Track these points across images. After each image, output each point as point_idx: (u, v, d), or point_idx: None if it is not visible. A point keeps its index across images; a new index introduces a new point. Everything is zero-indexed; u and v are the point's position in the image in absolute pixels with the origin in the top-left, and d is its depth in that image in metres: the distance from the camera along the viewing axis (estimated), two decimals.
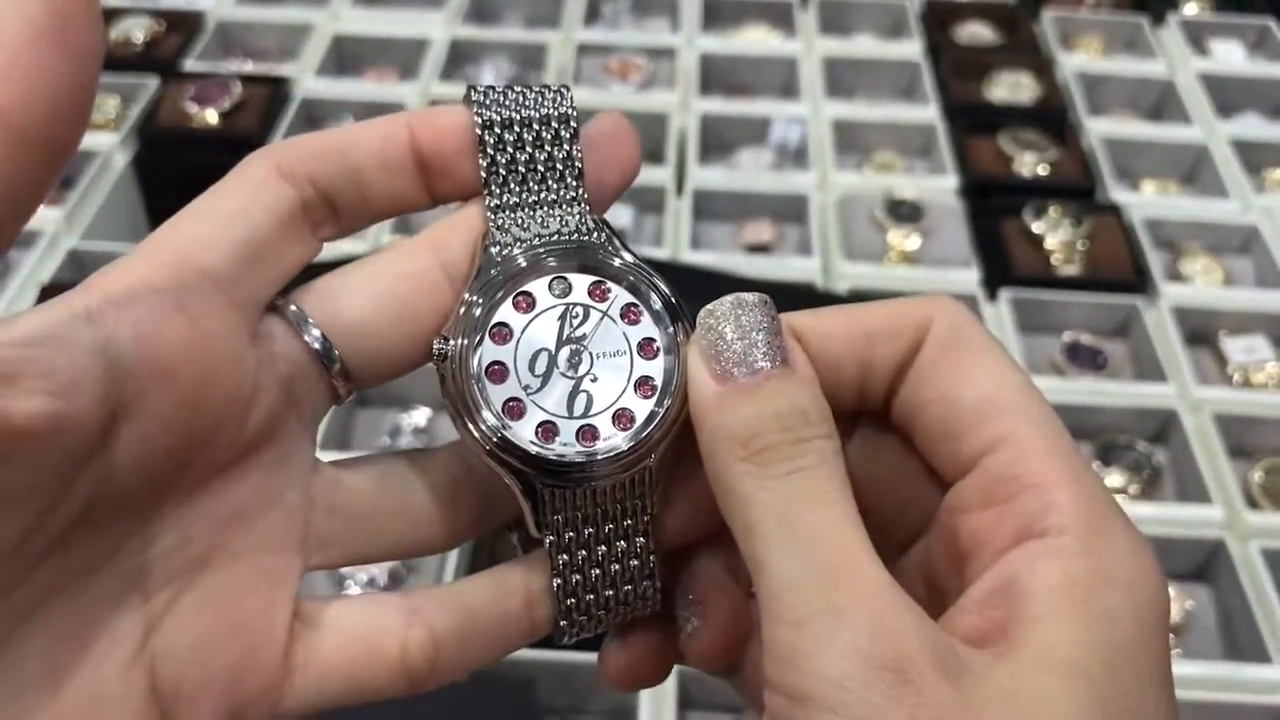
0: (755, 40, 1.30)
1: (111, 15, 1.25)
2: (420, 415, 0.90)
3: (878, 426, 0.29)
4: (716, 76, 1.24)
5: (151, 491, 0.25)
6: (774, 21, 1.33)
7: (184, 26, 1.25)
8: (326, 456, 0.29)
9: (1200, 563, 0.83)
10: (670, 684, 0.72)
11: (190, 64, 1.20)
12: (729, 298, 0.27)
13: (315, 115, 1.16)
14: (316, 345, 0.27)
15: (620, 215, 1.05)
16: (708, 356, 0.26)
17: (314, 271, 0.28)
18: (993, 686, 0.23)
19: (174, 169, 1.10)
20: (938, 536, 0.28)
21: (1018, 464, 0.26)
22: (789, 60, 1.25)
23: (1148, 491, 0.88)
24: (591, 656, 0.78)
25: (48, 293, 0.94)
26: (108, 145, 1.09)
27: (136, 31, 1.23)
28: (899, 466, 0.29)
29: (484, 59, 1.24)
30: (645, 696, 0.71)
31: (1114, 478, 0.88)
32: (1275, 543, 0.81)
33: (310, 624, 0.27)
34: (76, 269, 0.99)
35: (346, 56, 1.25)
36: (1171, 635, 0.78)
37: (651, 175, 1.07)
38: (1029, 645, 0.23)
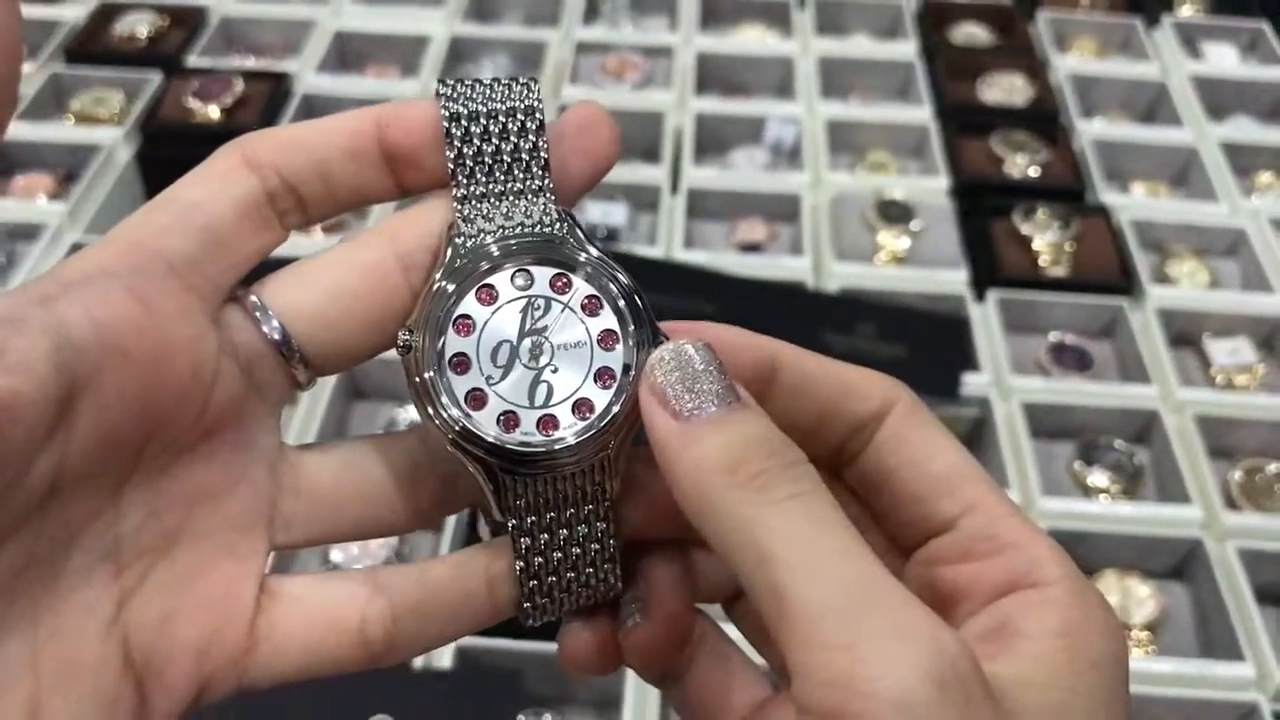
0: (752, 39, 1.31)
1: (116, 10, 1.27)
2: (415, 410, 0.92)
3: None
4: (713, 76, 1.25)
5: (118, 467, 0.26)
6: (771, 21, 1.34)
7: (187, 22, 1.26)
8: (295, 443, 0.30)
9: (1178, 561, 0.84)
10: None
11: (193, 59, 1.21)
12: (669, 345, 0.28)
13: (316, 111, 1.17)
14: (276, 336, 0.28)
15: (615, 212, 1.07)
16: (662, 399, 0.27)
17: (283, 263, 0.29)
18: (1015, 716, 0.24)
19: (176, 164, 1.10)
20: (910, 586, 0.29)
21: (994, 525, 0.28)
22: (785, 60, 1.26)
23: (1129, 491, 0.89)
24: None
25: None
26: (111, 140, 1.10)
27: (140, 27, 1.24)
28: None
29: (483, 56, 1.26)
30: (630, 688, 0.73)
31: (1097, 477, 0.90)
32: (1252, 543, 0.83)
33: (275, 598, 0.29)
34: None
35: (348, 53, 1.27)
36: (1147, 632, 0.80)
37: (646, 173, 1.09)
38: (1033, 685, 0.25)
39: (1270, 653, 0.76)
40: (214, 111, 1.13)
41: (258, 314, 0.28)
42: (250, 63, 1.24)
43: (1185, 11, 1.40)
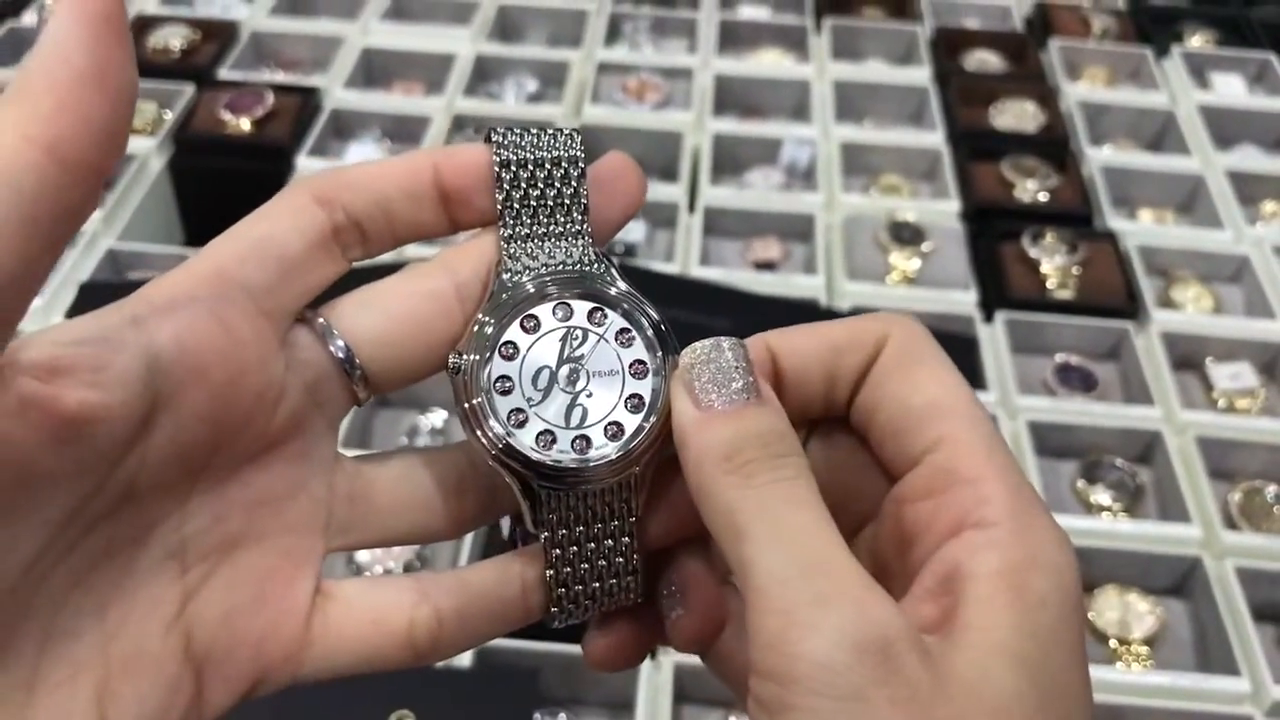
0: (769, 63, 1.34)
1: (150, 23, 1.30)
2: (437, 417, 0.94)
3: (834, 428, 0.33)
4: (730, 97, 1.28)
5: (188, 474, 0.28)
6: (788, 45, 1.37)
7: (219, 36, 1.29)
8: (348, 453, 0.32)
9: (1177, 578, 0.86)
10: (667, 679, 0.76)
11: (225, 73, 1.24)
12: (708, 340, 0.30)
13: (344, 126, 1.21)
14: (340, 355, 0.30)
15: (633, 230, 1.09)
16: (690, 389, 0.30)
17: (345, 286, 0.32)
18: (948, 668, 0.26)
19: (207, 173, 1.15)
20: (883, 524, 0.31)
21: (954, 460, 0.29)
22: (801, 83, 1.29)
23: (1130, 509, 0.91)
24: None
25: (86, 290, 0.99)
26: (145, 149, 1.13)
27: (174, 40, 1.28)
28: (852, 462, 0.33)
29: (507, 75, 1.28)
30: (643, 690, 0.75)
31: (1099, 495, 0.92)
32: (1249, 562, 0.85)
33: (329, 599, 0.31)
34: (113, 268, 1.04)
35: (375, 69, 1.30)
36: (1145, 646, 0.82)
37: (664, 192, 1.12)
38: (973, 628, 0.27)
39: (1265, 668, 0.78)
40: (245, 124, 1.16)
41: (325, 335, 0.30)
42: (280, 77, 1.27)
43: (1194, 42, 1.42)
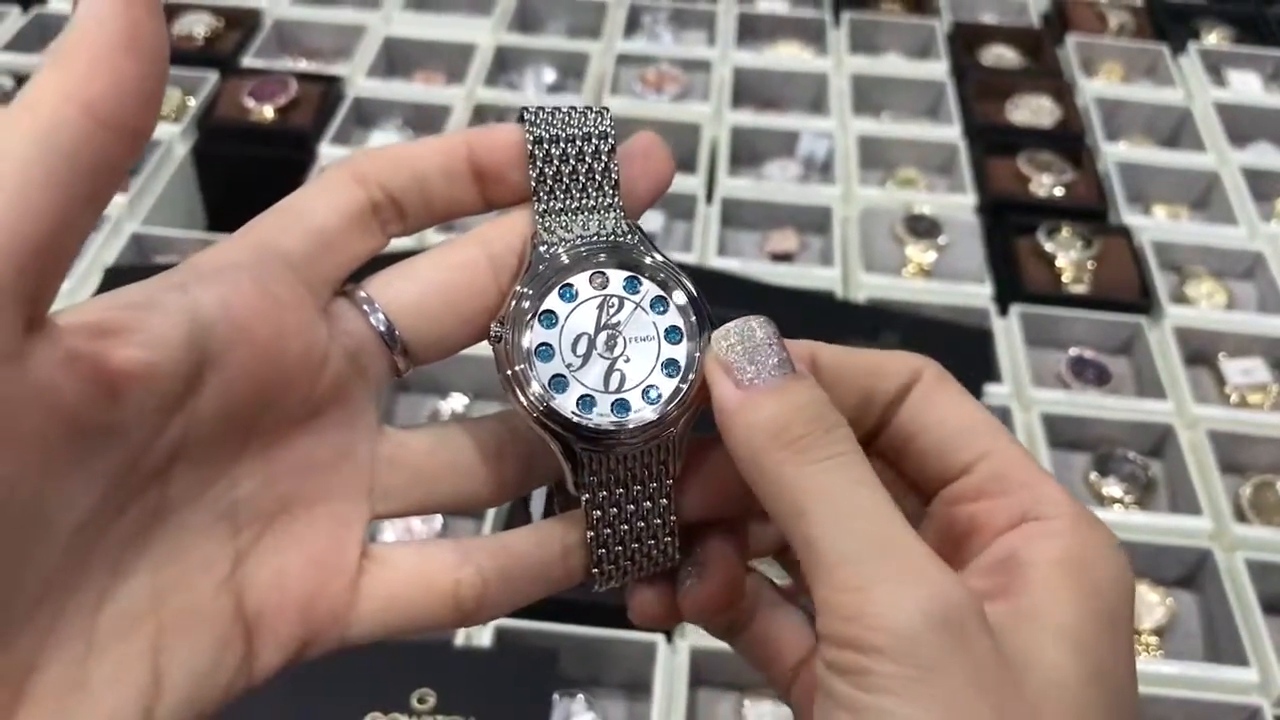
0: (787, 56, 1.35)
1: (174, 11, 1.31)
2: (458, 401, 0.96)
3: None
4: (749, 90, 1.29)
5: (238, 436, 0.29)
6: (806, 38, 1.38)
7: (242, 24, 1.31)
8: None
9: (1187, 570, 0.88)
10: (683, 662, 0.77)
11: (248, 60, 1.26)
12: (737, 320, 0.31)
13: (366, 114, 1.22)
14: (381, 327, 0.31)
15: (652, 221, 1.10)
16: (727, 369, 0.31)
17: (386, 261, 0.33)
18: (1012, 646, 0.28)
19: (230, 160, 1.16)
20: (932, 525, 0.33)
21: (1006, 468, 0.32)
22: (819, 76, 1.30)
23: (1142, 501, 0.92)
24: (610, 631, 0.82)
25: (111, 274, 1.00)
26: (169, 135, 1.15)
27: (197, 27, 1.29)
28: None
29: (527, 65, 1.30)
30: (659, 674, 0.77)
31: (1111, 487, 0.93)
32: (1259, 554, 0.86)
33: (375, 562, 0.32)
34: (138, 252, 1.05)
35: (397, 58, 1.31)
36: (1155, 636, 0.84)
37: (682, 183, 1.12)
38: (1036, 611, 0.28)
39: (1274, 659, 0.79)
40: (268, 111, 1.17)
41: (365, 307, 0.31)
42: (302, 65, 1.29)
43: (1211, 39, 1.43)
